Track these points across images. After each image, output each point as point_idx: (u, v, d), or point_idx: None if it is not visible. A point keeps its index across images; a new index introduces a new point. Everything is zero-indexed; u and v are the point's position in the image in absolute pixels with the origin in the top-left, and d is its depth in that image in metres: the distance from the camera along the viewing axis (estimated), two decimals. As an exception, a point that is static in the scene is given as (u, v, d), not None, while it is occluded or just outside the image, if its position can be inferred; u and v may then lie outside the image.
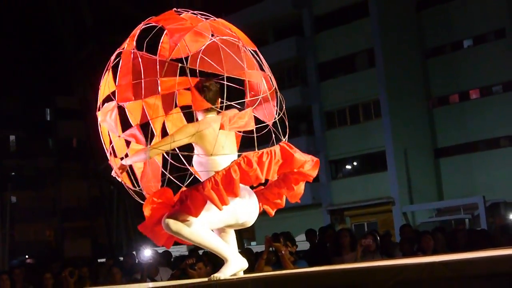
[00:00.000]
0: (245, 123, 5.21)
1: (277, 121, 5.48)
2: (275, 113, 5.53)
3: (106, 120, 5.41)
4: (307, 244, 12.18)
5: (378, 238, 10.37)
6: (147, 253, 10.16)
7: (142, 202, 5.14)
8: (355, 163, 36.57)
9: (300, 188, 5.37)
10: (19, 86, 52.05)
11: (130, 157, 5.28)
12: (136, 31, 5.51)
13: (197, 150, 5.16)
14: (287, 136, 5.41)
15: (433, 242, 9.24)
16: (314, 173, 5.28)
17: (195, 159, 5.22)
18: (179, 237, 4.95)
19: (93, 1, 35.46)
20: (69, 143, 55.77)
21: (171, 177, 5.38)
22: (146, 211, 5.01)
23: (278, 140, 5.32)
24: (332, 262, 9.34)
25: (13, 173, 47.50)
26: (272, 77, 5.60)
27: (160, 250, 12.56)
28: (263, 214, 5.46)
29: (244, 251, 9.70)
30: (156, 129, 5.51)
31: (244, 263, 5.14)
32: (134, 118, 5.38)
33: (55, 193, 54.23)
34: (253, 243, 33.79)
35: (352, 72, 35.81)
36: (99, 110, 5.51)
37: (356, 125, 35.61)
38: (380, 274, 3.65)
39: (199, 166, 5.20)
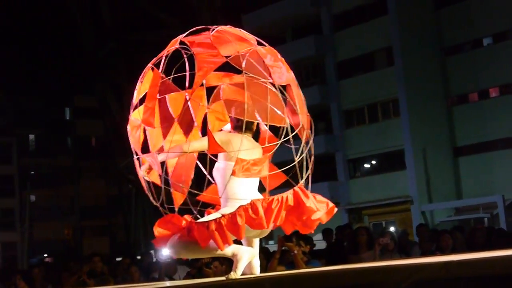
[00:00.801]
0: (258, 171, 5.19)
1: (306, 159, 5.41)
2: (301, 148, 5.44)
3: (132, 134, 5.48)
4: (324, 243, 12.15)
5: (396, 237, 10.33)
6: (165, 252, 10.15)
7: (156, 204, 5.28)
8: (373, 162, 36.45)
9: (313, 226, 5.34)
10: (39, 85, 52.41)
11: (168, 151, 5.33)
12: (171, 49, 5.48)
13: (218, 156, 5.31)
14: (304, 180, 5.31)
15: (451, 241, 9.19)
16: (326, 219, 5.25)
17: (215, 165, 5.33)
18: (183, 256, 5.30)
19: (113, 0, 35.53)
20: (88, 142, 56.10)
21: (206, 173, 5.49)
22: (156, 232, 5.20)
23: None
24: (348, 261, 9.30)
25: (32, 172, 47.77)
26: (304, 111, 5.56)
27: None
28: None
29: (260, 250, 9.68)
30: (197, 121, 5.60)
31: (251, 251, 5.20)
32: (152, 142, 5.42)
33: (74, 192, 54.57)
34: (270, 242, 33.77)
35: (371, 71, 35.70)
36: (134, 109, 5.51)
37: (375, 124, 35.49)
38: (397, 273, 3.61)
39: (216, 171, 5.28)
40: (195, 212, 5.46)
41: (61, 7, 40.23)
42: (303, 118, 5.46)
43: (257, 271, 5.26)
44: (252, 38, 5.51)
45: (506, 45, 33.59)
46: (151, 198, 5.36)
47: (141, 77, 5.47)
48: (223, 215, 4.98)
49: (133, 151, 5.44)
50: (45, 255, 44.20)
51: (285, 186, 5.48)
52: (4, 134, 50.71)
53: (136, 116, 5.44)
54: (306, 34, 37.70)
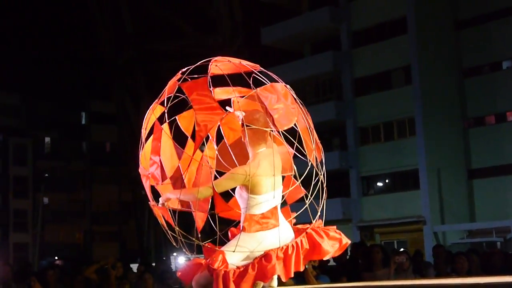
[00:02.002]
0: (268, 224, 5.09)
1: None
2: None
3: (144, 182, 5.49)
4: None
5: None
6: (181, 260, 10.20)
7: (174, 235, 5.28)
8: (387, 180, 36.37)
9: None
10: (57, 89, 52.71)
11: (178, 193, 5.30)
12: (168, 93, 5.34)
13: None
14: (317, 218, 5.24)
15: (467, 263, 9.15)
16: (336, 254, 5.25)
17: (237, 189, 5.26)
18: None
19: (135, 8, 35.74)
20: (103, 147, 56.31)
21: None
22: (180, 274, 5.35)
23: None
24: (363, 278, 9.30)
25: (46, 175, 47.98)
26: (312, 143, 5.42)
27: (193, 257, 12.56)
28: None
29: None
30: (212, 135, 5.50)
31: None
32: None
33: (86, 196, 54.72)
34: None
35: (388, 89, 35.68)
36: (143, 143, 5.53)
37: (390, 142, 35.44)
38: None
39: (240, 198, 5.25)
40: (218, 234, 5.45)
41: (83, 12, 40.49)
42: (316, 151, 5.39)
43: (275, 283, 5.28)
44: (253, 67, 5.36)
45: (525, 69, 33.58)
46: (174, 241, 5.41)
47: (144, 123, 5.42)
48: (238, 267, 4.94)
49: (148, 197, 5.50)
50: (56, 258, 44.30)
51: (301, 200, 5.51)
52: (20, 136, 51.03)
53: (143, 164, 5.44)
54: (324, 49, 37.73)
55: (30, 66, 50.88)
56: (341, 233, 5.23)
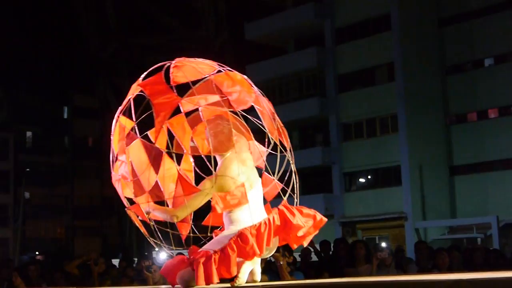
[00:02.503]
0: (237, 202, 5.16)
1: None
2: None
3: (117, 187, 5.53)
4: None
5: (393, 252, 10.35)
6: (162, 256, 10.16)
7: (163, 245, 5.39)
8: (369, 177, 36.48)
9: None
10: (39, 83, 52.39)
11: (157, 210, 5.32)
12: (129, 100, 5.45)
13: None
14: (287, 196, 5.38)
15: (448, 259, 9.20)
16: (314, 232, 5.29)
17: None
18: None
19: (119, 1, 35.62)
20: (85, 142, 56.08)
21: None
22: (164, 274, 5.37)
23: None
24: (346, 274, 9.32)
25: (28, 169, 47.72)
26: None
27: (176, 253, 12.55)
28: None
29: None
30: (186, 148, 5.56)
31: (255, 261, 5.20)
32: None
33: (68, 191, 54.48)
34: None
35: (371, 85, 35.77)
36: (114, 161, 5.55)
37: (373, 139, 35.54)
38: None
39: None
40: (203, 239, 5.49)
41: (67, 7, 40.28)
42: (274, 134, 5.39)
43: (258, 278, 5.30)
44: (212, 65, 5.41)
45: (507, 66, 33.74)
46: (155, 242, 5.43)
47: (112, 130, 5.50)
48: (215, 251, 4.99)
49: (123, 202, 5.51)
50: (37, 252, 44.11)
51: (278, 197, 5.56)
52: (2, 130, 50.69)
53: (115, 170, 5.50)
54: (308, 45, 37.76)
55: (12, 59, 50.49)
56: (316, 211, 5.28)
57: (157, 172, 5.32)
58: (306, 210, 5.27)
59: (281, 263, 8.21)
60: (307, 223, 5.19)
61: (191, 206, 5.13)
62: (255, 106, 5.35)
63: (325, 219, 5.31)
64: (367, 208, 34.61)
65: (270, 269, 8.81)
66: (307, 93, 37.38)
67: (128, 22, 36.38)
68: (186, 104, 5.23)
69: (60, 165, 53.88)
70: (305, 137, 38.14)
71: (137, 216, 5.42)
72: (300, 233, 5.16)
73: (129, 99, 5.44)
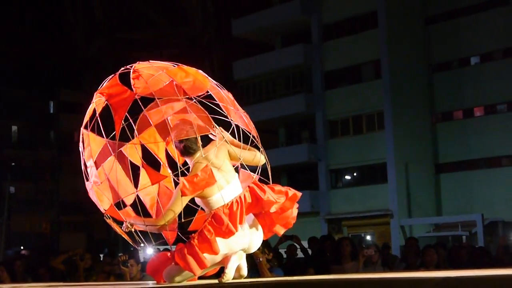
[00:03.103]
0: (205, 183, 5.15)
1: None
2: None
3: (91, 196, 5.58)
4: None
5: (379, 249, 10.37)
6: (149, 251, 10.14)
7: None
8: (355, 174, 36.56)
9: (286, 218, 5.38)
10: (25, 77, 52.07)
11: (138, 220, 5.32)
12: (93, 106, 5.59)
13: None
14: (258, 171, 5.38)
15: (436, 256, 9.23)
16: (291, 207, 5.29)
17: (196, 200, 5.36)
18: None
19: (105, -3, 35.55)
20: (71, 137, 55.66)
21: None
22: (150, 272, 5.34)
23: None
24: (332, 271, 9.34)
25: (13, 164, 47.45)
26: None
27: (162, 248, 12.56)
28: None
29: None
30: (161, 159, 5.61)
31: (239, 252, 5.19)
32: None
33: (54, 186, 54.21)
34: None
35: (358, 83, 35.84)
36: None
37: (359, 136, 35.62)
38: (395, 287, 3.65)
39: (202, 205, 5.34)
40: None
41: (53, 2, 40.09)
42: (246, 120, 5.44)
43: (244, 273, 5.31)
44: (167, 66, 5.44)
45: (492, 65, 33.90)
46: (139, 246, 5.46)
47: (80, 143, 5.57)
48: (192, 236, 5.01)
49: (100, 210, 5.50)
50: (21, 247, 43.89)
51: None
52: (-14, 124, 50.40)
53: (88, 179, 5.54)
54: (295, 42, 37.75)
55: (-3, 53, 50.19)
56: (290, 188, 5.30)
57: (123, 168, 5.35)
58: (278, 187, 5.27)
59: (261, 259, 8.24)
60: (279, 199, 5.20)
61: (169, 213, 5.14)
62: (212, 94, 5.37)
63: (299, 194, 5.30)
64: (353, 205, 34.69)
65: (250, 266, 8.82)
66: (293, 89, 37.38)
67: (115, 18, 36.28)
68: (154, 115, 5.29)
69: (45, 159, 53.61)
70: (291, 134, 38.17)
71: (114, 220, 5.43)
72: (272, 209, 5.16)
73: (91, 110, 5.56)
